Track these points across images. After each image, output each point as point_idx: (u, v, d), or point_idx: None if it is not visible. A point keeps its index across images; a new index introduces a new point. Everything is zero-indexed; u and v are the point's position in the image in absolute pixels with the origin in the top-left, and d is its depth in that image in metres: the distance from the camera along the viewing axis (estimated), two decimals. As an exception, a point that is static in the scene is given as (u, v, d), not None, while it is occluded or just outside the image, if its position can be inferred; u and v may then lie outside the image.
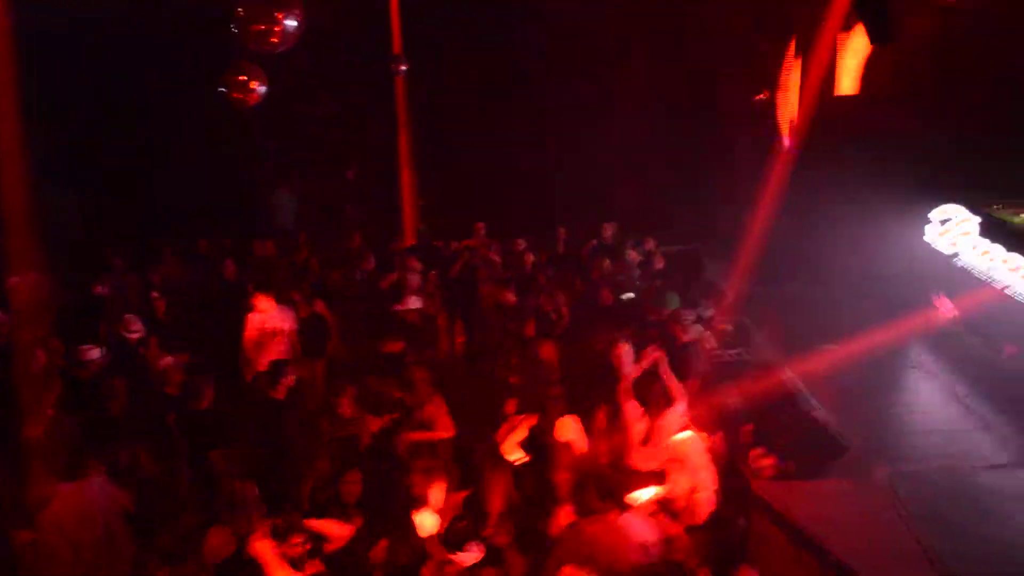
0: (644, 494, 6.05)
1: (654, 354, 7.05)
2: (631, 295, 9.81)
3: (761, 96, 13.73)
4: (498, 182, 13.22)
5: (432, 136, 13.33)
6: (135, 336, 8.21)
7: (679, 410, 6.86)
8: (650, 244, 11.53)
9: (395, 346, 8.25)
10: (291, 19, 7.06)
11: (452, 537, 5.31)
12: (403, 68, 11.92)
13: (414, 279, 9.62)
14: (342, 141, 13.31)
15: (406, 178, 13.64)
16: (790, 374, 7.85)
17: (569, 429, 6.71)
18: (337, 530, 5.46)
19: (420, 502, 5.60)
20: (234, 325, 8.51)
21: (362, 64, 12.42)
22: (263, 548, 4.99)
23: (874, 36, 6.97)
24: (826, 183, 11.80)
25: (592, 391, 7.55)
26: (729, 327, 9.74)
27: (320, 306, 8.99)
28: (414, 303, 9.26)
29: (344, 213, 13.06)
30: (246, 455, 6.43)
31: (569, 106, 13.28)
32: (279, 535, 5.02)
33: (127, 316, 8.40)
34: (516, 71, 13.26)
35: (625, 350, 7.28)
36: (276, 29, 7.04)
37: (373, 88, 12.79)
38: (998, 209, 9.69)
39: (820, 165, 12.01)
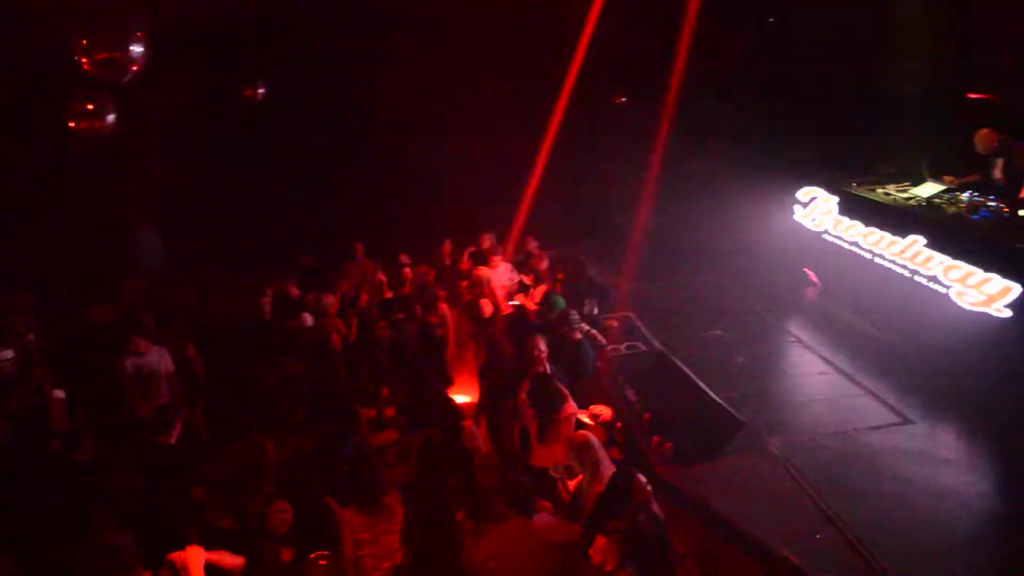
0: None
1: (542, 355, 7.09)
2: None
3: (621, 99, 14.07)
4: (375, 201, 12.99)
5: (299, 159, 12.97)
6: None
7: (573, 407, 6.90)
8: (531, 246, 11.62)
9: (295, 367, 7.94)
10: (136, 45, 6.68)
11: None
12: (260, 92, 11.53)
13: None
14: (203, 171, 12.73)
15: (278, 205, 13.25)
16: (679, 361, 7.98)
17: (473, 436, 6.62)
18: (230, 560, 5.15)
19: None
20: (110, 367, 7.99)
21: (217, 91, 11.93)
22: None
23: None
24: (698, 177, 12.20)
25: (489, 397, 7.52)
26: (616, 323, 9.92)
27: (191, 349, 8.56)
28: (308, 320, 8.96)
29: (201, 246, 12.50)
30: (124, 502, 5.99)
31: (436, 121, 13.20)
32: None
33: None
34: (380, 88, 13.06)
35: (541, 344, 7.21)
36: (122, 56, 6.65)
37: (230, 114, 12.34)
38: (856, 187, 10.20)
39: (690, 160, 12.44)
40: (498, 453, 7.07)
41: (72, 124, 7.57)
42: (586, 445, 6.02)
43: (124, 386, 7.85)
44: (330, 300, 9.57)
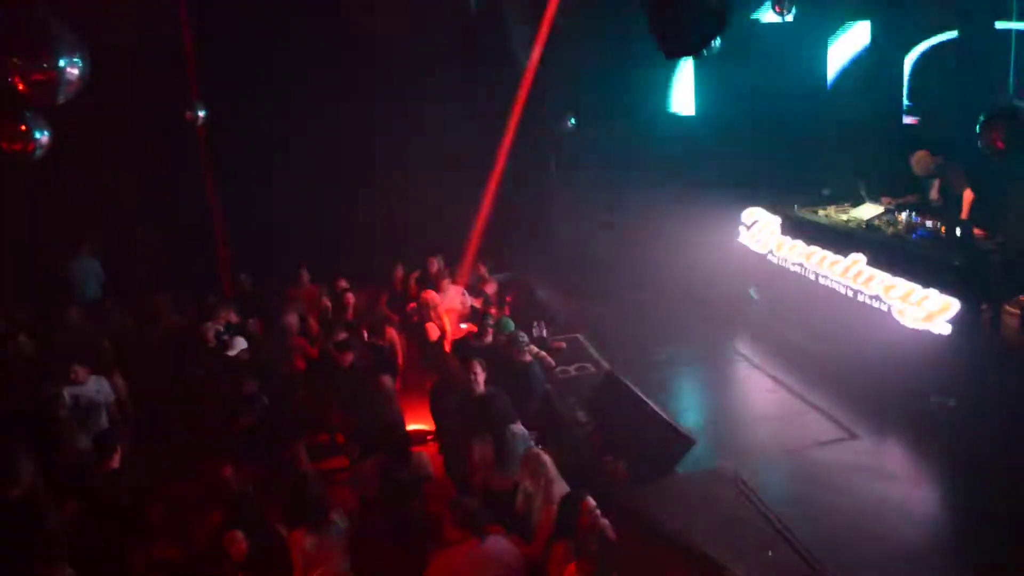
0: None
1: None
2: None
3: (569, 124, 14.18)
4: (322, 227, 12.84)
5: (243, 184, 12.76)
6: None
7: (521, 428, 6.86)
8: (481, 271, 11.61)
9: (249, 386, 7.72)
10: (73, 67, 6.48)
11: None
12: (200, 115, 11.32)
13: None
14: (143, 196, 12.45)
15: (218, 229, 13.03)
16: (629, 382, 7.97)
17: (422, 463, 6.52)
18: None
19: None
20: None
21: (158, 113, 11.68)
22: None
23: (669, 50, 7.24)
24: (644, 200, 12.33)
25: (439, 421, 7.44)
26: (564, 344, 9.92)
27: (116, 377, 8.29)
28: (241, 344, 8.76)
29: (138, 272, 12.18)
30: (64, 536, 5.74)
31: (383, 144, 13.14)
32: None
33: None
34: (323, 112, 12.96)
35: (479, 368, 7.26)
36: (56, 77, 6.44)
37: (173, 139, 12.10)
38: (798, 209, 10.39)
39: (634, 184, 12.59)
40: (451, 478, 6.98)
41: (3, 145, 7.32)
42: (539, 464, 6.02)
43: (61, 418, 7.57)
44: (292, 320, 9.44)
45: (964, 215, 8.65)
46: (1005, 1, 8.32)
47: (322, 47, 12.66)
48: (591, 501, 5.18)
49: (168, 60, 11.93)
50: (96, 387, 7.82)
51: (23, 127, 7.09)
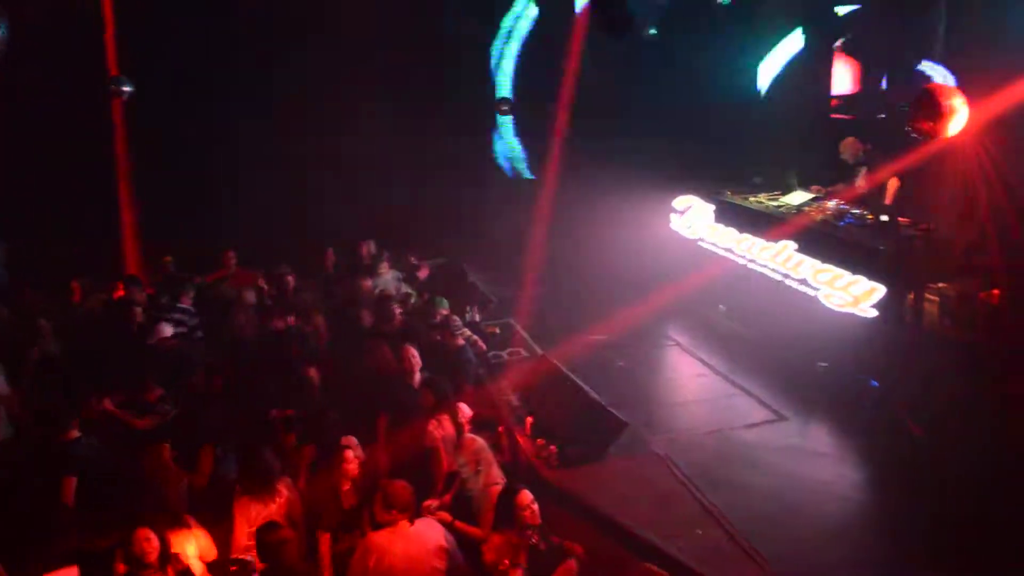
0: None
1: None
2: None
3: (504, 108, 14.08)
4: (252, 209, 12.46)
5: (165, 164, 12.28)
6: None
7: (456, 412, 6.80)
8: (412, 257, 11.44)
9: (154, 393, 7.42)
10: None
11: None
12: (125, 90, 10.83)
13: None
14: (68, 171, 11.89)
15: (126, 210, 12.56)
16: (561, 365, 7.93)
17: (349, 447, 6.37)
18: None
19: None
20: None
21: (76, 86, 11.14)
22: None
23: (608, 27, 7.24)
24: (579, 185, 12.32)
25: (366, 405, 7.28)
26: (497, 330, 9.85)
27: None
28: (166, 330, 8.43)
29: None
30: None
31: (314, 126, 12.81)
32: None
33: None
34: (254, 91, 12.56)
35: (413, 352, 7.31)
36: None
37: (90, 113, 11.57)
38: (730, 195, 10.49)
39: (571, 168, 12.57)
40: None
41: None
42: (474, 447, 6.10)
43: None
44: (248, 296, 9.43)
45: (889, 201, 8.82)
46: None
47: (253, 25, 12.28)
48: (528, 494, 5.16)
49: (88, 36, 11.41)
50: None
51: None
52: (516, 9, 13.89)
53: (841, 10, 10.75)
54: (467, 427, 6.65)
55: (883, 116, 10.35)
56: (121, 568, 5.05)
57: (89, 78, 11.05)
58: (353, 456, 6.11)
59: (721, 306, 9.34)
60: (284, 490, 5.74)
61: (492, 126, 13.92)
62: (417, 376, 7.37)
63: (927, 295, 7.90)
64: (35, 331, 8.41)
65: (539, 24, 13.64)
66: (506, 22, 13.99)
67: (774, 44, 11.57)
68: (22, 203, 11.06)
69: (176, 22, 11.68)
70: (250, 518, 5.53)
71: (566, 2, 12.75)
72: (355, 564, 5.09)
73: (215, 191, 12.29)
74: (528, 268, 12.14)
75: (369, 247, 11.38)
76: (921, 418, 7.11)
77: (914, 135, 5.88)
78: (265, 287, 10.19)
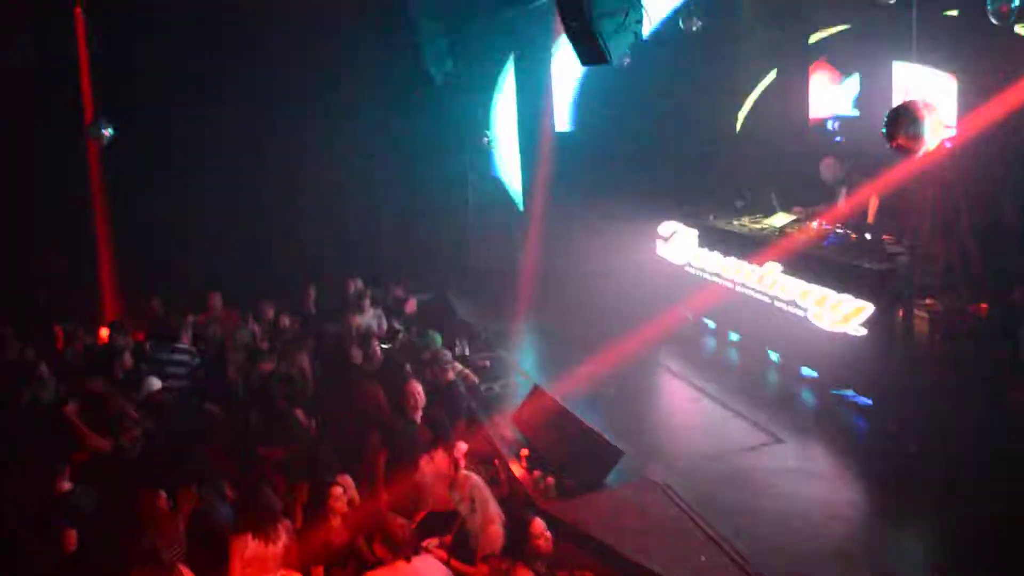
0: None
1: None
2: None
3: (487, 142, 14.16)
4: (232, 249, 12.42)
5: (143, 206, 12.23)
6: None
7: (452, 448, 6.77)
8: (398, 292, 11.41)
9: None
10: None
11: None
12: (106, 133, 10.76)
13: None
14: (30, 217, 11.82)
15: (104, 253, 12.50)
16: (554, 396, 7.89)
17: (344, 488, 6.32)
18: None
19: None
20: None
21: (48, 129, 11.12)
22: None
23: (584, 58, 7.27)
24: (562, 217, 12.38)
25: (361, 444, 7.21)
26: (488, 363, 9.82)
27: None
28: (155, 384, 8.31)
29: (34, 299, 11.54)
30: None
31: (296, 163, 12.84)
32: None
33: None
34: (229, 129, 12.56)
35: (417, 389, 7.28)
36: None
37: (63, 157, 11.54)
38: (714, 220, 10.55)
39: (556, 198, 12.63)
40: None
41: None
42: (471, 485, 6.03)
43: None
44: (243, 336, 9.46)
45: (871, 219, 8.89)
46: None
47: (228, 63, 12.31)
48: (540, 523, 5.15)
49: (63, 78, 11.41)
50: None
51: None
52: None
53: (814, 37, 10.87)
54: (463, 463, 6.63)
55: (839, 140, 10.51)
56: None
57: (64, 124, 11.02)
58: (341, 493, 6.04)
59: (689, 316, 9.23)
60: (284, 534, 5.66)
61: (478, 159, 13.96)
62: (419, 413, 7.31)
63: (916, 311, 7.94)
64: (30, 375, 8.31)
65: (519, 63, 13.76)
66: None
67: (752, 87, 11.70)
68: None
69: (147, 61, 11.72)
70: (245, 558, 5.45)
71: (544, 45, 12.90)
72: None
73: (192, 229, 12.26)
74: (517, 300, 12.17)
75: (356, 284, 11.37)
76: (915, 434, 7.11)
77: (894, 151, 5.92)
78: (256, 329, 10.11)
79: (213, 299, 10.89)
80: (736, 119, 11.83)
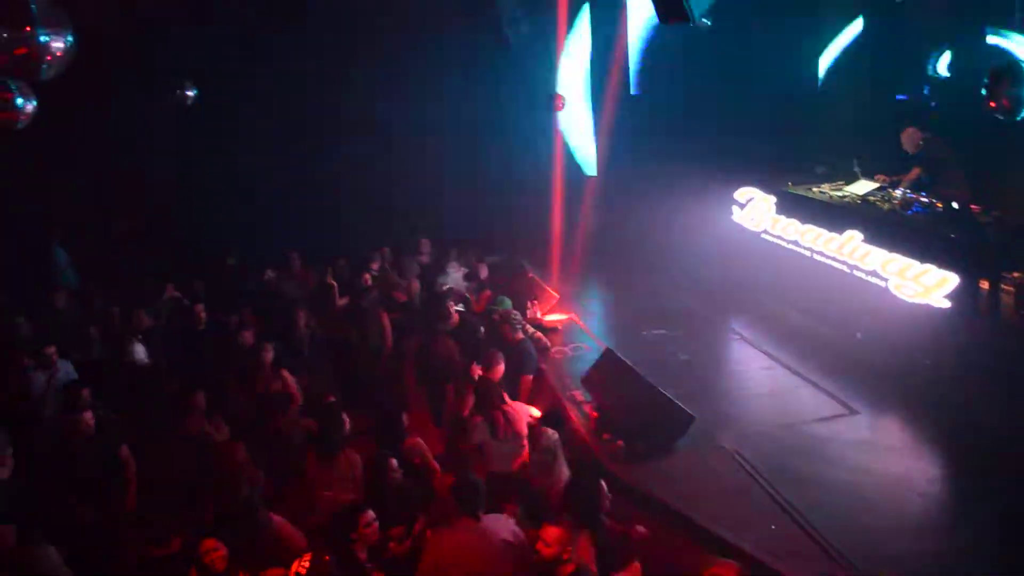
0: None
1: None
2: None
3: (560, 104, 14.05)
4: (307, 209, 12.71)
5: (229, 166, 12.57)
6: None
7: (522, 408, 6.85)
8: (472, 255, 11.55)
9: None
10: (58, 41, 6.30)
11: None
12: (189, 94, 11.05)
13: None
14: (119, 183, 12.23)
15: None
16: (625, 359, 7.89)
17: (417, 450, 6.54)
18: None
19: None
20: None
21: (139, 91, 11.42)
22: None
23: (665, 15, 7.14)
24: (635, 181, 12.26)
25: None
26: (560, 325, 9.88)
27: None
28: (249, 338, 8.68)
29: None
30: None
31: (376, 128, 12.99)
32: None
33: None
34: (313, 95, 12.78)
35: (500, 358, 7.29)
36: (41, 53, 6.26)
37: (153, 118, 11.88)
38: (792, 186, 10.32)
39: (627, 161, 12.51)
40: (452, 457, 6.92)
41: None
42: (544, 439, 6.17)
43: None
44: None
45: (955, 190, 8.58)
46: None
47: (308, 27, 12.48)
48: (603, 485, 5.20)
49: (152, 40, 11.72)
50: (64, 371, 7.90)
51: (8, 95, 6.91)
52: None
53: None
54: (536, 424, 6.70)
55: (934, 105, 10.11)
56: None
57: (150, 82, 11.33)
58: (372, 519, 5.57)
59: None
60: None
61: (549, 122, 13.88)
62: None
63: (1003, 284, 7.69)
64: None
65: (595, 26, 13.57)
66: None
67: (834, 34, 11.32)
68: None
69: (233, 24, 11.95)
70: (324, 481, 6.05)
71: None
72: (425, 562, 5.11)
73: (269, 191, 12.60)
74: (588, 264, 12.17)
75: (429, 244, 11.63)
76: (996, 411, 6.92)
77: (993, 113, 5.65)
78: (334, 283, 10.42)
79: (293, 258, 11.25)
80: (818, 80, 11.50)
